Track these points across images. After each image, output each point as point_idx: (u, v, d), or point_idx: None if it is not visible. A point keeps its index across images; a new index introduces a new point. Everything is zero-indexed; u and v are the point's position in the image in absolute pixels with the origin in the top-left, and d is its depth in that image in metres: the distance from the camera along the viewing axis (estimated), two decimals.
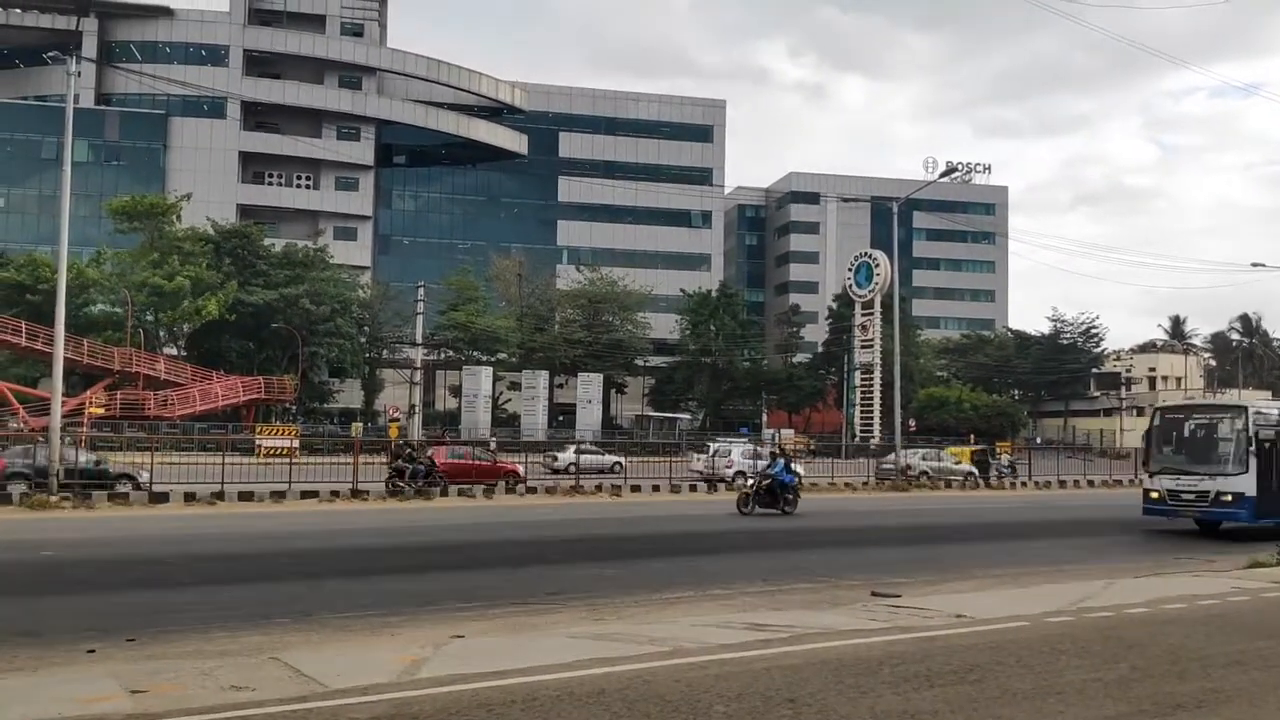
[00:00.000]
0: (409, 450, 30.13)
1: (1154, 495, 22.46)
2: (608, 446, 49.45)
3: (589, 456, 40.73)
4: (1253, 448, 20.98)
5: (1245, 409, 21.60)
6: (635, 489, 33.19)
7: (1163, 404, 25.83)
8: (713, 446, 41.49)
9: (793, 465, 27.76)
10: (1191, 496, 21.64)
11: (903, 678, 7.71)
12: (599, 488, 32.43)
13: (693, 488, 34.72)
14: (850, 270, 75.83)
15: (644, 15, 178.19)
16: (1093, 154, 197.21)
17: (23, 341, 51.94)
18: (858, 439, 67.46)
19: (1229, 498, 20.98)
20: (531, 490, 31.39)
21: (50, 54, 79.22)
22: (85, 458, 27.71)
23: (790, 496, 25.76)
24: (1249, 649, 9.21)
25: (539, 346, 73.48)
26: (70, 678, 8.09)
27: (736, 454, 38.63)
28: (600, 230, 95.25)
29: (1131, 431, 68.55)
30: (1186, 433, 22.94)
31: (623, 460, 41.54)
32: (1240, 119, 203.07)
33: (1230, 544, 20.39)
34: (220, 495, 25.91)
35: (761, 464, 37.92)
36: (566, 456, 39.88)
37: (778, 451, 28.04)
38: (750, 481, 26.48)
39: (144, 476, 27.20)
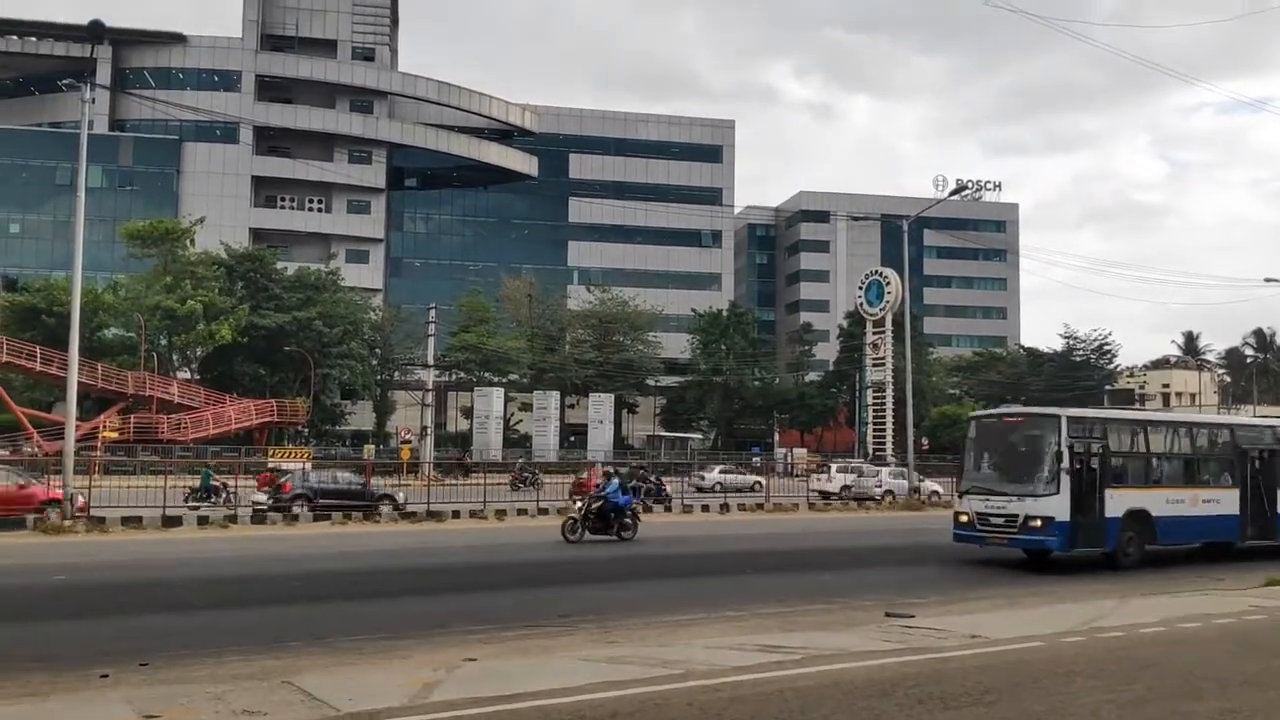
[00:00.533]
0: (642, 471, 36.04)
1: (963, 518, 19.49)
2: (619, 467, 49.53)
3: (732, 476, 46.01)
4: (1066, 464, 17.93)
5: (1058, 418, 18.48)
6: (647, 509, 33.06)
7: (977, 411, 21.98)
8: (834, 465, 46.16)
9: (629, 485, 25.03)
10: (1000, 520, 18.56)
11: (917, 700, 7.67)
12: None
13: (704, 508, 34.53)
14: (861, 289, 75.60)
15: (651, 37, 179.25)
16: (1102, 171, 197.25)
17: (37, 366, 52.24)
18: (870, 458, 67.18)
19: (1038, 522, 17.90)
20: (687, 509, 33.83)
21: (65, 81, 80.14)
22: (350, 480, 31.03)
23: (628, 521, 22.85)
24: (1266, 668, 9.15)
25: (550, 367, 73.54)
26: (84, 703, 8.11)
27: (886, 474, 41.79)
28: (611, 250, 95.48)
29: None
30: (1000, 445, 19.97)
31: (763, 480, 44.24)
32: (1249, 135, 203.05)
33: (1066, 578, 17.84)
34: (233, 518, 25.96)
35: (899, 482, 39.03)
36: (713, 476, 45.30)
37: (611, 471, 24.93)
38: (579, 504, 23.56)
39: (401, 497, 30.12)
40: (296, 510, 27.39)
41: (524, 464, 45.92)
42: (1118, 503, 18.60)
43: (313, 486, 29.24)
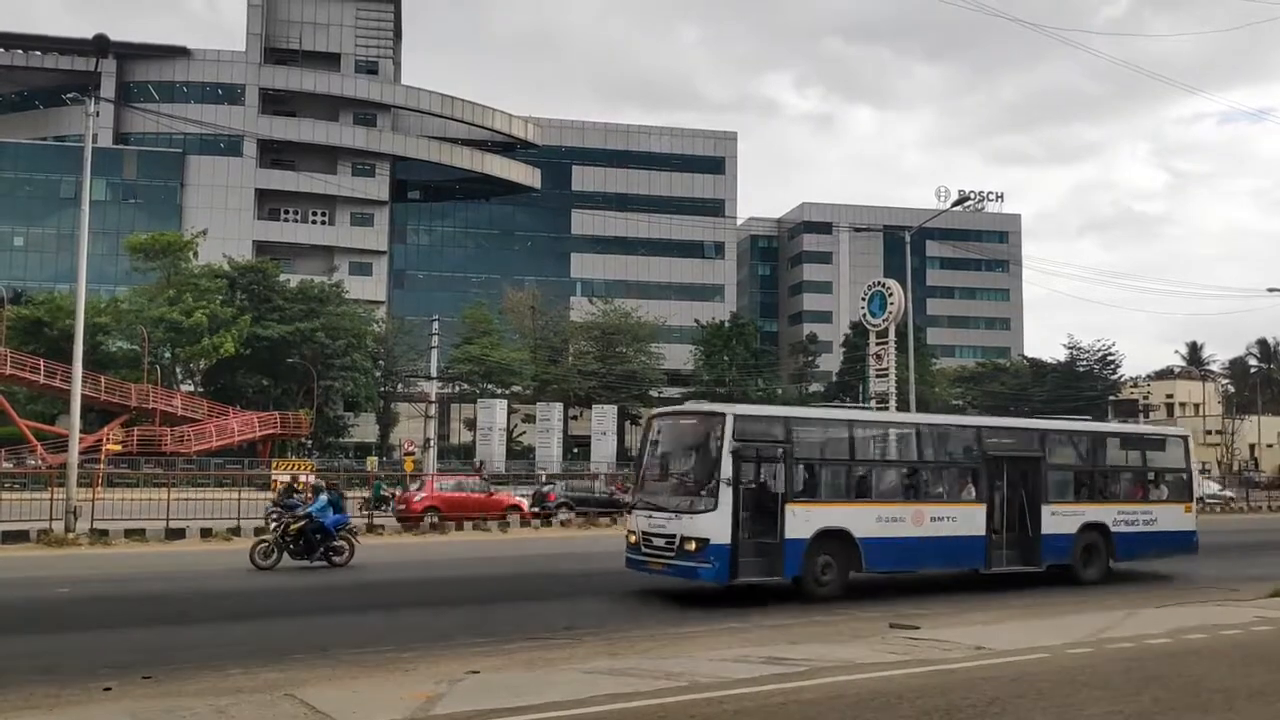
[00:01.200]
0: None
1: (631, 538, 15.98)
2: (332, 480, 49.29)
3: None
4: (727, 474, 14.50)
5: (722, 417, 14.88)
6: None
7: (657, 410, 18.70)
8: None
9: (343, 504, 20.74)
10: (661, 542, 15.08)
11: (922, 712, 7.63)
12: (613, 519, 32.27)
13: None
14: (864, 300, 75.51)
15: (652, 49, 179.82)
16: (1103, 181, 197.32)
17: (41, 379, 52.32)
18: None
19: (692, 545, 14.49)
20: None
21: (69, 95, 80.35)
22: (600, 490, 36.56)
23: (339, 544, 19.15)
24: (1272, 681, 9.10)
25: (553, 379, 73.53)
26: (87, 716, 8.09)
27: None
28: (613, 262, 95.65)
29: None
30: (671, 450, 16.49)
31: None
32: (1250, 144, 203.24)
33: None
34: (236, 531, 25.94)
35: None
36: None
37: (321, 485, 21.40)
38: (275, 525, 19.92)
39: None
40: (563, 516, 31.56)
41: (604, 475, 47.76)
42: (805, 521, 15.13)
43: (572, 496, 34.34)
